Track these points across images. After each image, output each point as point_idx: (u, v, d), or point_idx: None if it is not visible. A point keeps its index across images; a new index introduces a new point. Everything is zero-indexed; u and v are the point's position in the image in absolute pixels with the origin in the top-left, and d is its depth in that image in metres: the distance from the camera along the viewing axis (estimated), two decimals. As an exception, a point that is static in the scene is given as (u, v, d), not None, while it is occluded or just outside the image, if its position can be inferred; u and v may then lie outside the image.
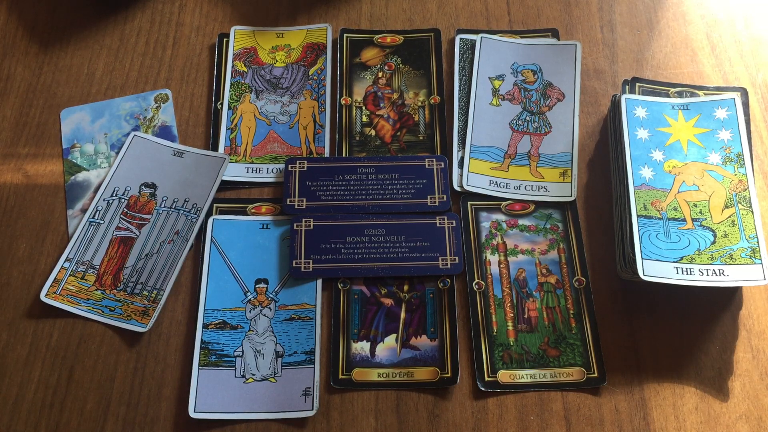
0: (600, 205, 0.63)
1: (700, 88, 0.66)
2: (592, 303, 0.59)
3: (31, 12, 0.74)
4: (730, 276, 0.56)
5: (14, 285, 0.60)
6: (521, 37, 0.71)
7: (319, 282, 0.60)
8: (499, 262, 0.61)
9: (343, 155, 0.66)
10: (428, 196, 0.62)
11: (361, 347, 0.58)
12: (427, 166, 0.64)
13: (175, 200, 0.63)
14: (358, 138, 0.67)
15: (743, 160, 0.60)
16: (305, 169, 0.64)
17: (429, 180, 0.63)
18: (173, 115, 0.68)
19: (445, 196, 0.62)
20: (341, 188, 0.63)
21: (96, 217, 0.63)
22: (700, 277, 0.56)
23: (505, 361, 0.57)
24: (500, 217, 0.63)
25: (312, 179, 0.63)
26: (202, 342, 0.58)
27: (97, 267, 0.61)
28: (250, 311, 0.59)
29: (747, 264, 0.56)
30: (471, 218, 0.63)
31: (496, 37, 0.70)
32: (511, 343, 0.58)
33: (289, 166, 0.64)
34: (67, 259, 0.61)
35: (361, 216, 0.62)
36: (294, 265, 0.60)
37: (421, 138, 0.67)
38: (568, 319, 0.59)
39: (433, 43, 0.71)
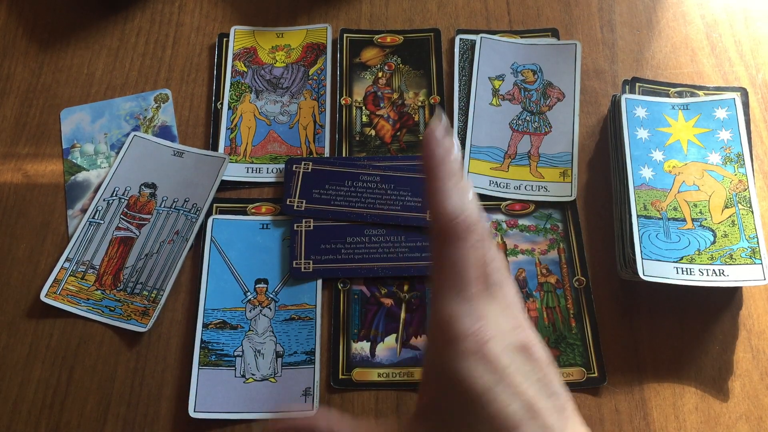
0: (600, 205, 0.63)
1: (700, 88, 0.66)
2: (592, 303, 0.59)
3: (31, 12, 0.74)
4: (730, 276, 0.56)
5: (14, 285, 0.60)
6: (521, 37, 0.71)
7: (319, 282, 0.60)
8: (499, 262, 0.61)
9: (343, 155, 0.66)
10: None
11: (361, 347, 0.58)
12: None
13: (175, 200, 0.63)
14: (358, 138, 0.67)
15: (743, 160, 0.60)
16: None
17: None
18: (173, 115, 0.68)
19: None
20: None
21: (96, 217, 0.63)
22: (700, 277, 0.56)
23: (505, 361, 0.57)
24: (500, 217, 0.63)
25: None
26: (202, 342, 0.58)
27: (97, 267, 0.61)
28: (250, 311, 0.59)
29: (747, 264, 0.56)
30: (471, 218, 0.63)
31: (496, 37, 0.70)
32: (511, 343, 0.58)
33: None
34: (67, 259, 0.61)
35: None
36: (294, 265, 0.60)
37: (421, 138, 0.67)
38: (568, 319, 0.59)
39: (433, 43, 0.71)
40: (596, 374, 0.56)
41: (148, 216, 0.63)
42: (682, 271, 0.56)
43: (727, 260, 0.56)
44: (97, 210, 0.63)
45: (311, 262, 0.60)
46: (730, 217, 0.58)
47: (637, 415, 0.55)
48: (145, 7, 0.74)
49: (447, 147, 0.37)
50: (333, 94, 0.69)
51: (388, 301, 0.60)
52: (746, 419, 0.55)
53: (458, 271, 0.35)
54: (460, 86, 0.68)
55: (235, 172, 0.65)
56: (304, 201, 0.63)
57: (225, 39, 0.71)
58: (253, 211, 0.64)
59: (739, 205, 0.59)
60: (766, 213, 0.62)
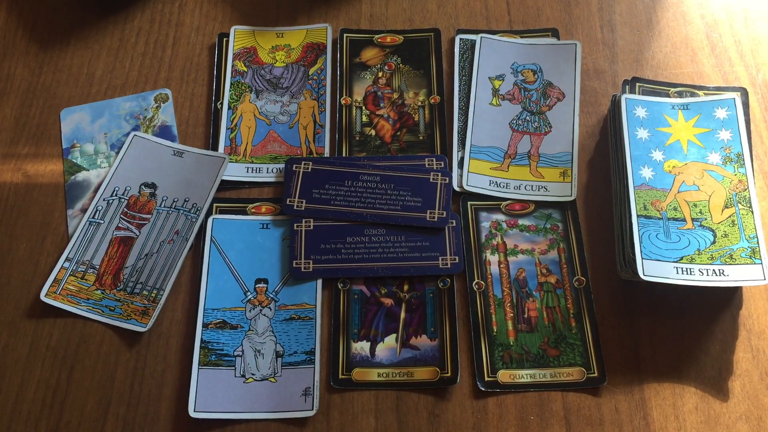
0: (600, 205, 0.63)
1: (700, 88, 0.66)
2: (592, 303, 0.59)
3: (31, 12, 0.74)
4: (730, 276, 0.56)
5: (14, 285, 0.60)
6: (521, 37, 0.71)
7: (319, 282, 0.60)
8: (499, 262, 0.61)
9: (343, 155, 0.66)
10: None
11: (361, 347, 0.58)
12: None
13: (175, 200, 0.63)
14: (358, 138, 0.67)
15: (743, 160, 0.60)
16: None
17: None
18: (173, 114, 0.68)
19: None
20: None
21: (96, 217, 0.63)
22: (700, 277, 0.56)
23: (505, 361, 0.57)
24: (500, 217, 0.63)
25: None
26: (202, 341, 0.58)
27: (97, 267, 0.61)
28: (249, 311, 0.59)
29: (747, 264, 0.56)
30: (471, 218, 0.63)
31: (496, 37, 0.70)
32: (511, 343, 0.58)
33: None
34: (67, 259, 0.61)
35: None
36: (294, 265, 0.60)
37: (421, 138, 0.67)
38: (568, 319, 0.59)
39: (433, 43, 0.71)
40: (596, 374, 0.56)
41: (148, 216, 0.63)
42: (682, 271, 0.56)
43: (727, 260, 0.56)
44: (97, 210, 0.63)
45: (311, 261, 0.60)
46: (730, 217, 0.58)
47: (637, 415, 0.55)
48: (145, 7, 0.74)
49: None
50: (333, 94, 0.69)
51: (388, 301, 0.60)
52: (746, 419, 0.55)
53: None
54: (460, 86, 0.68)
55: (235, 171, 0.65)
56: (304, 201, 0.63)
57: (225, 39, 0.71)
58: (253, 210, 0.64)
59: (739, 205, 0.59)
60: (766, 213, 0.62)
